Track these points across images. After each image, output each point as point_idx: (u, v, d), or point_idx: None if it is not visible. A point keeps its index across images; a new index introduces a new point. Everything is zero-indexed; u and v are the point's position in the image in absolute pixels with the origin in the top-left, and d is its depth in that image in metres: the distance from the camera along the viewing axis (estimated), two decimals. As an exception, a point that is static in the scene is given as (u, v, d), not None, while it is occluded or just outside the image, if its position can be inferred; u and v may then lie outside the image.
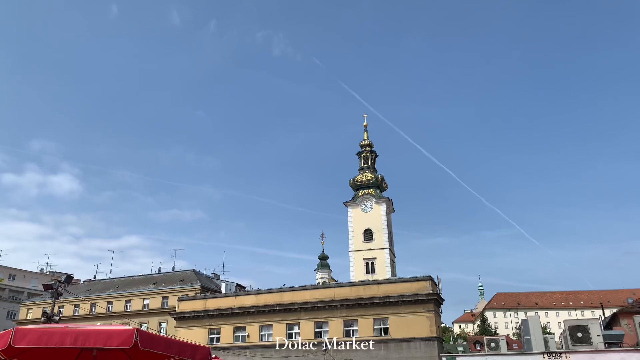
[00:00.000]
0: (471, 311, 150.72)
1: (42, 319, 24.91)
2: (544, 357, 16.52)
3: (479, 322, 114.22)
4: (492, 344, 19.66)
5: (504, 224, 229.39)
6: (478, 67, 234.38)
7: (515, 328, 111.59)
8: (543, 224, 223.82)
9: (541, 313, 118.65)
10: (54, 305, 27.07)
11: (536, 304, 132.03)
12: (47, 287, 26.70)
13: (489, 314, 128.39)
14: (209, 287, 60.69)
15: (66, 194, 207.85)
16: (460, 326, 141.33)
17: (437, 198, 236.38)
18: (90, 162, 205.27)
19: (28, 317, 64.05)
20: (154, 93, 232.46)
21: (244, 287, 66.76)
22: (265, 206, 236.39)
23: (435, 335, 42.38)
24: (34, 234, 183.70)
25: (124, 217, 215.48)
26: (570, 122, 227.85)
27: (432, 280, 44.56)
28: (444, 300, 46.46)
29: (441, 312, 47.13)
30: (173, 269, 68.78)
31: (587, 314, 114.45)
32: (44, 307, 54.99)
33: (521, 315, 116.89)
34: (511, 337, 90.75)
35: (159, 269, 70.60)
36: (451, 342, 79.73)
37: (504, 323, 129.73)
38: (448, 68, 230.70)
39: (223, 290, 60.17)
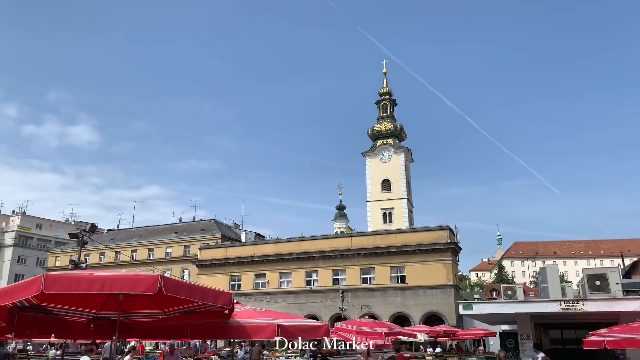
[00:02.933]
0: (488, 260, 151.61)
1: (70, 266, 25.80)
2: (560, 305, 16.57)
3: (496, 271, 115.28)
4: (509, 292, 19.83)
5: (525, 173, 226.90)
6: (501, 7, 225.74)
7: (533, 277, 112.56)
8: (564, 172, 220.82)
9: (559, 262, 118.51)
10: (80, 253, 27.94)
11: (554, 252, 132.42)
12: (72, 236, 27.50)
13: (506, 263, 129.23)
14: (229, 236, 61.99)
15: (85, 145, 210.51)
16: (477, 274, 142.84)
17: (456, 147, 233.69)
18: (107, 113, 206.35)
19: (56, 265, 66.56)
20: (166, 41, 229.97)
21: (263, 237, 67.95)
22: (282, 157, 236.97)
23: (452, 283, 43.05)
24: (56, 184, 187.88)
25: (143, 168, 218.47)
26: (595, 67, 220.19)
27: (450, 230, 44.82)
28: (461, 249, 46.89)
29: (458, 261, 47.72)
30: (194, 218, 70.25)
31: (607, 262, 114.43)
32: (71, 255, 56.85)
33: (539, 264, 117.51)
34: (528, 285, 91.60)
35: (180, 219, 72.09)
36: (468, 290, 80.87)
37: (521, 272, 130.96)
38: (470, 9, 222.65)
39: (243, 239, 61.37)
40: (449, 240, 43.89)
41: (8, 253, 76.62)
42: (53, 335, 10.79)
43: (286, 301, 47.25)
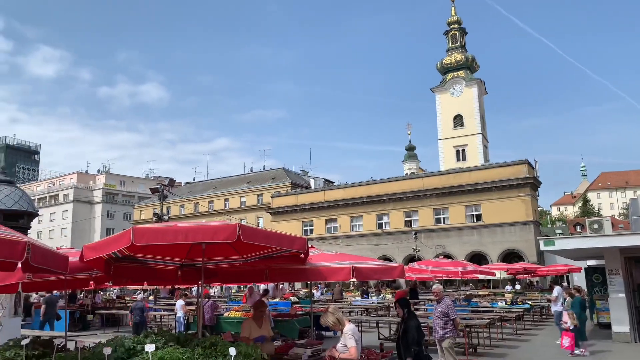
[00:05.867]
0: (571, 193, 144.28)
1: (154, 219, 27.36)
2: (653, 237, 15.54)
3: (580, 204, 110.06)
4: (595, 226, 18.74)
5: (612, 97, 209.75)
6: None
7: (622, 209, 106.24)
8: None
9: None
10: (162, 206, 29.50)
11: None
12: (153, 190, 29.03)
13: (591, 195, 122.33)
14: (298, 183, 63.12)
15: (155, 102, 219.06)
16: (559, 209, 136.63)
17: (534, 74, 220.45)
18: (173, 69, 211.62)
19: (141, 218, 71.19)
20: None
21: (332, 182, 68.56)
22: (346, 100, 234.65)
23: (531, 219, 41.67)
24: (133, 142, 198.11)
25: (212, 121, 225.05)
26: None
27: (529, 164, 42.99)
28: (541, 183, 45.02)
29: (538, 196, 45.89)
30: (264, 168, 72.11)
31: None
32: (153, 209, 60.27)
33: (629, 194, 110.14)
34: (617, 218, 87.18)
35: (251, 169, 74.27)
36: (549, 226, 78.32)
37: (609, 204, 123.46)
38: None
39: (312, 185, 62.25)
40: (527, 175, 42.14)
41: (98, 209, 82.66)
42: (145, 282, 11.58)
43: (358, 244, 47.94)
